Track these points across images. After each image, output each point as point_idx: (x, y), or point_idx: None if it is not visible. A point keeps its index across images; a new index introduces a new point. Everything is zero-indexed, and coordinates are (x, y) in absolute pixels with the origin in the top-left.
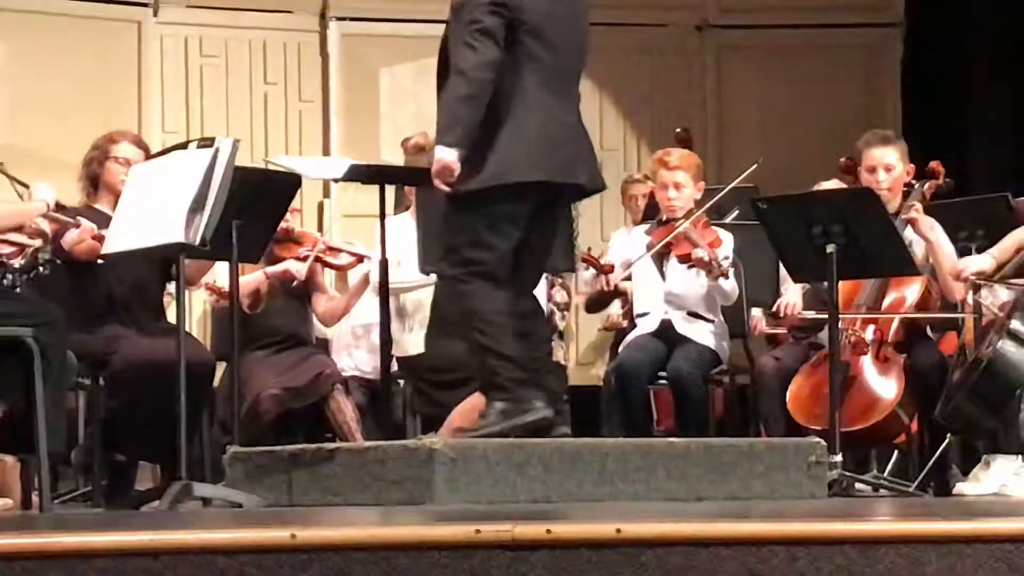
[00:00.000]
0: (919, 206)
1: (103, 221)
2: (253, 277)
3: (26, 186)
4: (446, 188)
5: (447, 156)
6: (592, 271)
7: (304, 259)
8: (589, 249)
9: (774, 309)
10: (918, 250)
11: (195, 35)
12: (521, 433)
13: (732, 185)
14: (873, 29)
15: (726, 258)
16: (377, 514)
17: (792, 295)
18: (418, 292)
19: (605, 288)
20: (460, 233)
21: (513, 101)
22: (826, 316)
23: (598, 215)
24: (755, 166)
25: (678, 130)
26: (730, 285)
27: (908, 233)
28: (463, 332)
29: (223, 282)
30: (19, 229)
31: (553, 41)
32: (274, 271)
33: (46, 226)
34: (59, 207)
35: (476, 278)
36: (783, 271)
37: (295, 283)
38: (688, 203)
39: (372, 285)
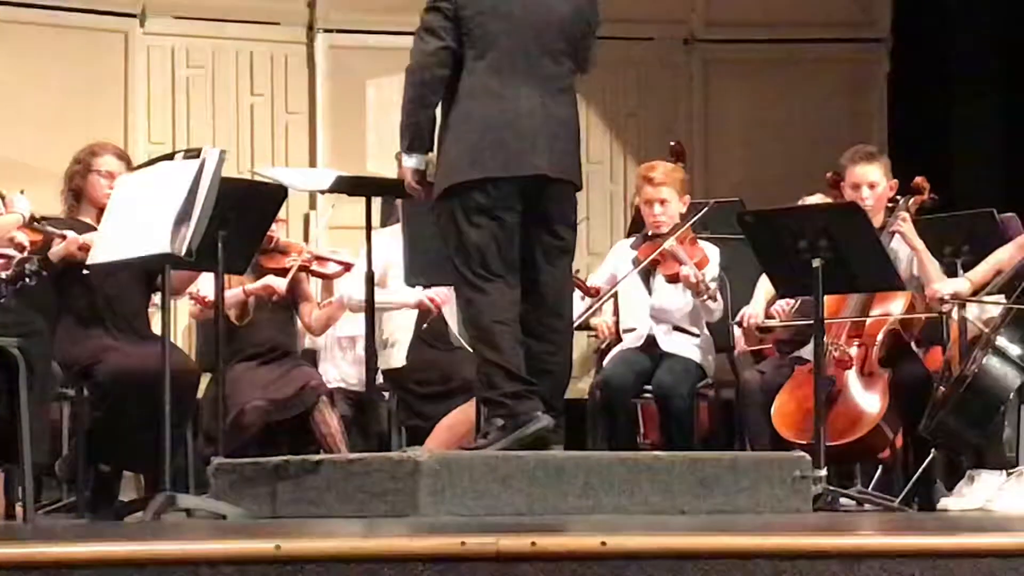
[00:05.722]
0: (907, 215)
1: (87, 232)
2: (232, 294)
3: (1, 196)
4: (418, 195)
5: (405, 163)
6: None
7: (286, 272)
8: (576, 271)
9: (736, 319)
10: (903, 266)
11: (181, 46)
12: (522, 446)
13: (706, 200)
14: (859, 44)
15: (713, 279)
16: (362, 526)
17: (755, 306)
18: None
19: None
20: (446, 240)
21: (459, 95)
22: (810, 323)
23: (584, 229)
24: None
25: (672, 143)
26: (715, 304)
27: (893, 248)
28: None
29: (205, 291)
30: None
31: (509, 22)
32: (254, 287)
33: (25, 240)
34: (42, 218)
35: (470, 287)
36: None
37: (275, 298)
38: (674, 218)
39: (351, 305)
